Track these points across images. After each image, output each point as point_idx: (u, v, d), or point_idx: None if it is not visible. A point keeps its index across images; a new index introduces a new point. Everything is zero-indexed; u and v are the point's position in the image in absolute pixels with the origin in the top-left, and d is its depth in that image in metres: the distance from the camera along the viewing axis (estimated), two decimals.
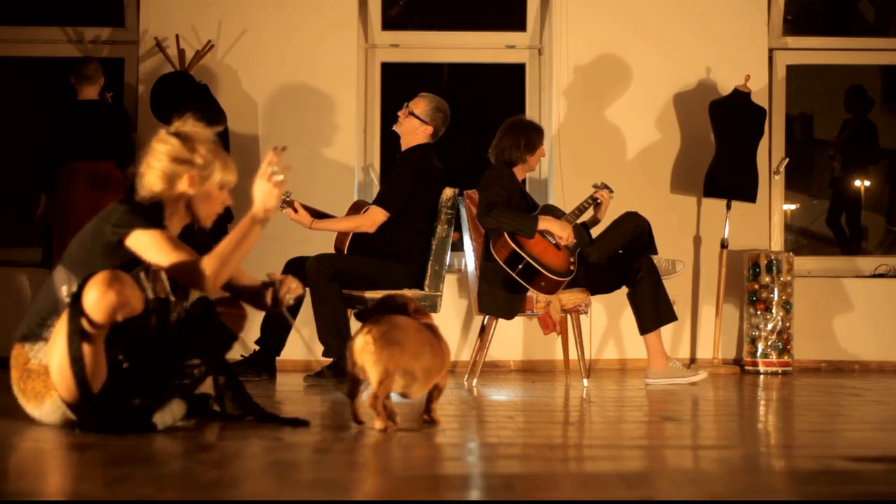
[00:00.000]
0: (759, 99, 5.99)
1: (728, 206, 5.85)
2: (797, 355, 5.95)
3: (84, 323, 2.77)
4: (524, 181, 5.05)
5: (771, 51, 6.29)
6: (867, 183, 7.43)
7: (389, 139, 5.58)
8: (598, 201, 4.97)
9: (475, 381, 4.86)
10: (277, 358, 5.06)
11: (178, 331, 3.04)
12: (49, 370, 2.85)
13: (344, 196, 5.83)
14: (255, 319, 5.42)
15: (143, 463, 2.36)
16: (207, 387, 3.14)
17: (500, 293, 4.75)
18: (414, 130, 5.01)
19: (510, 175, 4.89)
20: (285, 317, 3.20)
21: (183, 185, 3.00)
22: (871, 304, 6.14)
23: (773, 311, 5.75)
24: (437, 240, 4.96)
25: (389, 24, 6.37)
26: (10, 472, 2.32)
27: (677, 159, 6.12)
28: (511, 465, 2.49)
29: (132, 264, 2.91)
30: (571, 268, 4.68)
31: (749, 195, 5.81)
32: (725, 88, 5.99)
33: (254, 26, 6.05)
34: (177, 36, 5.83)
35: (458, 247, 5.36)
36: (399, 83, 6.36)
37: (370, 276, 4.85)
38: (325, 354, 4.84)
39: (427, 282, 4.93)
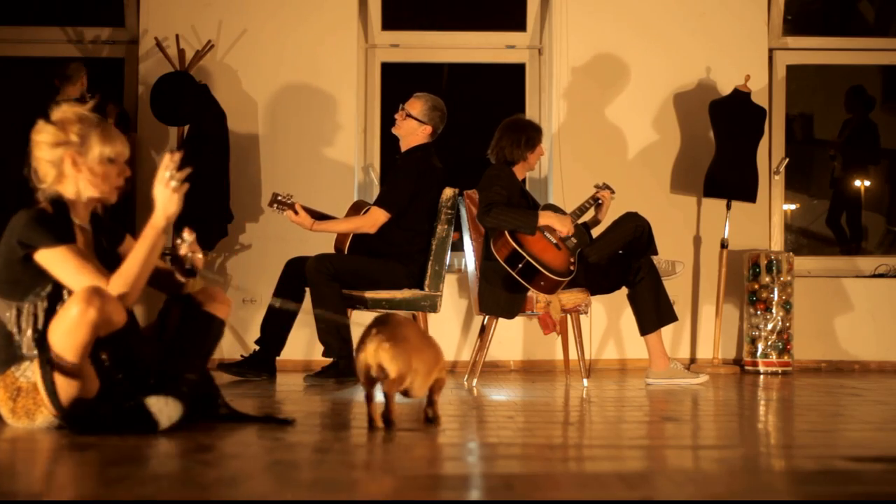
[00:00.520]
0: (759, 99, 5.99)
1: (728, 206, 5.85)
2: (797, 355, 5.95)
3: (52, 354, 2.79)
4: (524, 180, 5.06)
5: (771, 51, 6.29)
6: (867, 183, 7.43)
7: (389, 139, 5.58)
8: (600, 202, 4.97)
9: (475, 381, 4.86)
10: (277, 358, 5.06)
11: (169, 329, 3.05)
12: (38, 387, 2.86)
13: (344, 196, 5.83)
14: (254, 319, 5.42)
15: (143, 463, 2.37)
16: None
17: (501, 293, 4.75)
18: (413, 131, 5.01)
19: (510, 174, 4.89)
20: (192, 268, 3.02)
21: (67, 168, 2.97)
22: (871, 304, 6.14)
23: (773, 311, 5.75)
24: (437, 240, 4.96)
25: (389, 23, 6.37)
26: (10, 472, 2.32)
27: (677, 159, 6.12)
28: (511, 465, 2.49)
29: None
30: (571, 268, 4.68)
31: (749, 195, 5.81)
32: (725, 88, 6.00)
33: (254, 26, 6.05)
34: (177, 36, 5.83)
35: (458, 247, 5.36)
36: (399, 83, 6.36)
37: (370, 276, 4.85)
38: (325, 354, 4.84)
39: (427, 282, 4.92)
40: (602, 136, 6.11)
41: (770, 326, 5.74)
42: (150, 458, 2.46)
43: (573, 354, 5.15)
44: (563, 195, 5.88)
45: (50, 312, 2.88)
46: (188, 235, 2.99)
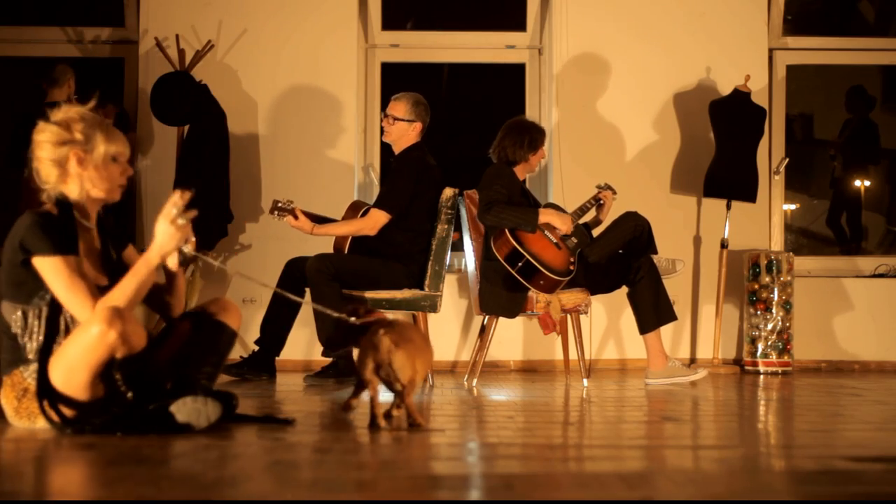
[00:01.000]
0: (759, 99, 5.99)
1: (728, 206, 5.85)
2: (797, 355, 5.95)
3: (50, 384, 2.82)
4: (524, 181, 5.06)
5: (771, 51, 6.29)
6: (867, 183, 7.43)
7: None
8: (601, 202, 4.98)
9: (475, 381, 4.86)
10: (277, 358, 5.06)
11: (182, 340, 3.06)
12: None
13: (344, 196, 5.83)
14: (254, 319, 5.42)
15: (143, 463, 2.36)
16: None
17: (502, 292, 4.75)
18: (404, 133, 5.01)
19: (511, 174, 4.89)
20: (185, 258, 3.00)
21: (72, 167, 2.96)
22: (871, 304, 6.14)
23: (773, 311, 5.75)
24: (437, 240, 4.96)
25: (389, 23, 6.37)
26: (10, 472, 2.32)
27: (677, 159, 6.12)
28: (511, 465, 2.49)
29: None
30: (571, 267, 4.68)
31: (749, 195, 5.81)
32: (725, 88, 6.00)
33: (254, 26, 6.05)
34: (177, 36, 5.83)
35: (458, 247, 5.36)
36: (399, 83, 6.36)
37: (370, 275, 4.85)
38: (324, 354, 4.84)
39: (427, 282, 4.92)
40: (602, 136, 6.11)
41: (770, 326, 5.74)
42: (151, 458, 2.46)
43: (573, 354, 5.15)
44: (563, 195, 5.88)
45: (51, 320, 2.88)
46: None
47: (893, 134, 7.45)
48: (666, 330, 5.02)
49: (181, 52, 5.78)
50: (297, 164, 6.00)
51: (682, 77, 6.14)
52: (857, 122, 7.09)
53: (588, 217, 5.01)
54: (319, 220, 4.96)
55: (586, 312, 4.86)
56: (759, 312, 5.77)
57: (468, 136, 6.35)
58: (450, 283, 5.91)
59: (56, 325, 2.88)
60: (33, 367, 2.88)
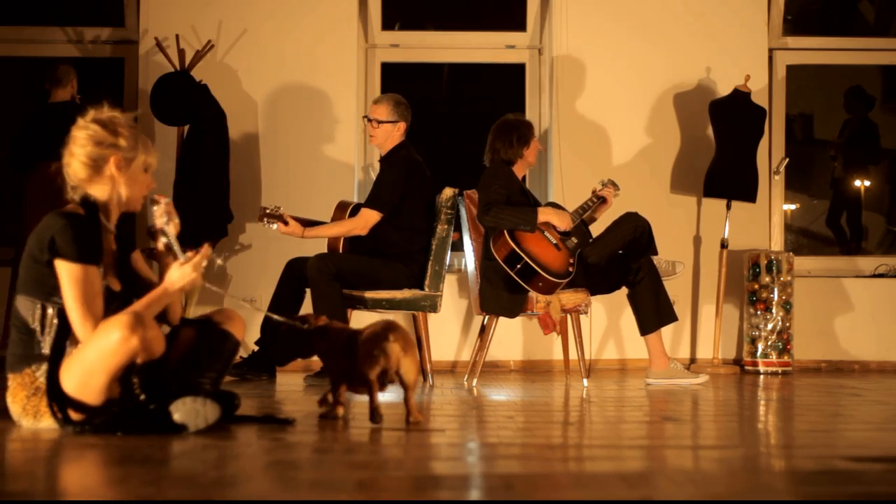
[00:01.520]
0: (759, 99, 5.99)
1: (728, 206, 5.85)
2: (797, 355, 5.95)
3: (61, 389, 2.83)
4: (524, 179, 5.05)
5: (771, 51, 6.29)
6: (867, 183, 7.43)
7: None
8: (604, 199, 4.97)
9: (475, 381, 4.86)
10: None
11: (187, 345, 3.07)
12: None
13: (344, 196, 5.82)
14: (254, 320, 5.42)
15: (143, 463, 2.36)
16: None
17: (503, 292, 4.75)
18: (389, 134, 5.03)
19: (509, 173, 4.89)
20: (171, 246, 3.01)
21: (111, 170, 2.97)
22: (872, 304, 6.14)
23: (773, 311, 5.75)
24: (437, 240, 4.96)
25: (389, 23, 6.37)
26: (10, 472, 2.32)
27: (677, 159, 6.12)
28: (511, 465, 2.49)
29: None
30: (570, 269, 4.68)
31: (749, 195, 5.81)
32: (725, 88, 5.99)
33: (254, 26, 6.05)
34: (177, 36, 5.83)
35: (458, 247, 5.36)
36: (399, 83, 6.36)
37: (371, 275, 4.85)
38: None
39: (427, 282, 4.92)
40: (602, 135, 6.11)
41: (770, 326, 5.74)
42: (150, 458, 2.46)
43: (573, 354, 5.15)
44: (563, 194, 5.88)
45: (64, 318, 2.87)
46: (161, 199, 2.99)
47: (893, 134, 7.45)
48: (666, 330, 5.01)
49: (181, 52, 5.78)
50: (297, 164, 6.00)
51: (682, 77, 6.14)
52: (856, 123, 7.09)
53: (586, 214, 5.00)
54: (308, 223, 4.97)
55: (586, 312, 4.86)
56: (759, 312, 5.77)
57: (468, 136, 6.34)
58: (450, 283, 5.91)
59: (68, 324, 2.88)
60: (45, 366, 2.88)
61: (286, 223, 4.83)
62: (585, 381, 4.82)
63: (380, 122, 5.01)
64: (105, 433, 2.80)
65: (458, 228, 5.16)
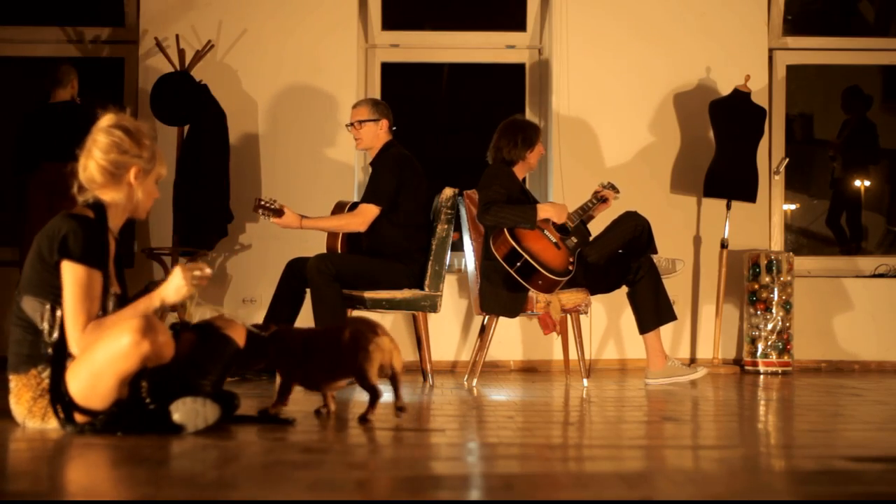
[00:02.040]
0: (759, 99, 5.99)
1: (728, 206, 5.85)
2: (797, 355, 5.95)
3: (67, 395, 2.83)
4: (524, 180, 5.06)
5: (771, 51, 6.29)
6: (867, 183, 7.43)
7: None
8: (605, 199, 4.97)
9: (475, 381, 4.86)
10: None
11: (187, 348, 3.07)
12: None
13: (344, 196, 5.83)
14: (254, 320, 5.42)
15: (143, 463, 2.36)
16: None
17: (503, 292, 4.75)
18: (374, 134, 5.03)
19: (509, 173, 4.90)
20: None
21: (129, 178, 2.98)
22: (871, 304, 6.15)
23: (773, 311, 5.75)
24: (437, 240, 4.96)
25: (389, 23, 6.37)
26: (11, 472, 2.32)
27: (677, 159, 6.12)
28: (511, 465, 2.49)
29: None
30: (570, 267, 4.68)
31: (749, 195, 5.82)
32: (725, 88, 6.00)
33: (254, 26, 6.05)
34: (177, 36, 5.83)
35: (458, 246, 5.36)
36: (399, 83, 6.36)
37: (371, 276, 4.85)
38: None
39: (427, 282, 4.92)
40: (602, 135, 6.11)
41: (770, 326, 5.75)
42: (150, 458, 2.46)
43: (573, 354, 5.15)
44: (563, 195, 5.88)
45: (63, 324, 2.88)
46: (206, 269, 2.98)
47: (893, 134, 7.45)
48: (666, 330, 5.02)
49: (181, 52, 5.78)
50: (297, 164, 6.01)
51: (682, 77, 6.14)
52: (855, 123, 7.09)
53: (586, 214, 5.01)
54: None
55: (586, 312, 4.87)
56: (759, 312, 5.78)
57: (468, 136, 6.35)
58: (450, 283, 5.92)
59: None
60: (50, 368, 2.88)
61: (282, 215, 4.80)
62: (585, 381, 4.82)
63: (361, 121, 5.01)
64: (105, 433, 2.80)
65: (458, 228, 5.16)
